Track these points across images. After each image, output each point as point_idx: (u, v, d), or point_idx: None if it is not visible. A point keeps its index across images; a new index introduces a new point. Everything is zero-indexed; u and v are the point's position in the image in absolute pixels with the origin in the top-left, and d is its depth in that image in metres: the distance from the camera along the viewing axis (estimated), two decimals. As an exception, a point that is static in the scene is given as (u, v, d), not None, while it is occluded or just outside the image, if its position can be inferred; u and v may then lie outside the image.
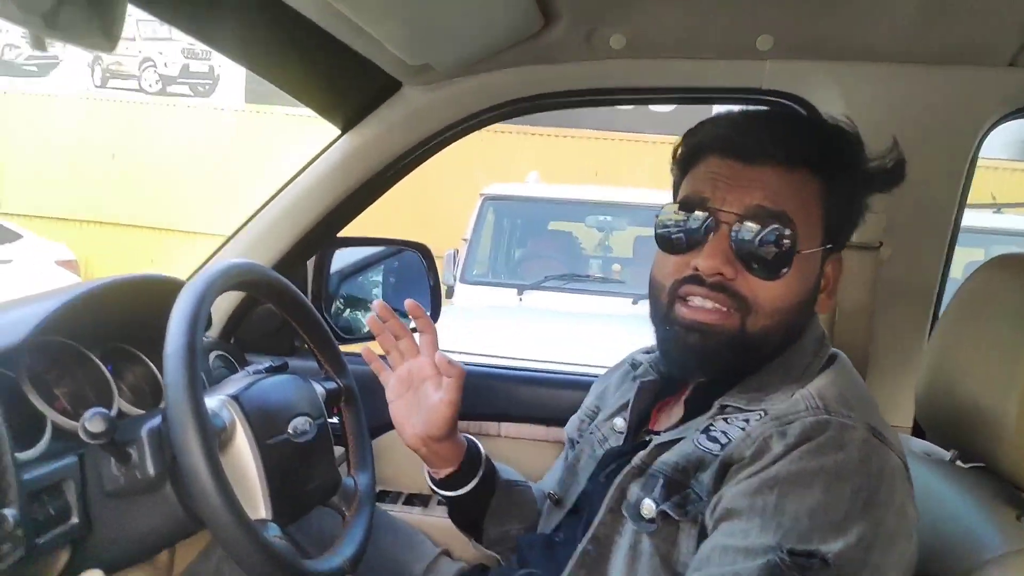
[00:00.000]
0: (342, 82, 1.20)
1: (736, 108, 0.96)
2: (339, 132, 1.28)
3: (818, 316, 0.89)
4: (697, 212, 0.84)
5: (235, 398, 0.91)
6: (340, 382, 1.10)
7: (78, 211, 8.64)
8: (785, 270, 0.81)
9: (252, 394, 0.93)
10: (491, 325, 3.30)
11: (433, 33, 1.03)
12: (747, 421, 0.79)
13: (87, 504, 0.88)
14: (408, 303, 0.98)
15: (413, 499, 1.42)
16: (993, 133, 1.18)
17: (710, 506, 0.75)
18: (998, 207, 4.67)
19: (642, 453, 0.84)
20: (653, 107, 7.83)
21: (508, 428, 1.39)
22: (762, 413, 0.79)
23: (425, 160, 1.31)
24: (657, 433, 0.90)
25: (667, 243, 0.88)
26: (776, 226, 0.80)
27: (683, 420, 0.88)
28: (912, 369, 1.21)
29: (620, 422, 0.97)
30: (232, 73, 9.61)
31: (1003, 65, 1.08)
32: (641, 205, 4.67)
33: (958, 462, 0.94)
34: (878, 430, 0.73)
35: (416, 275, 1.57)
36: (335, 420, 1.11)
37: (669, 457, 0.81)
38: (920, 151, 1.14)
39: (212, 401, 0.89)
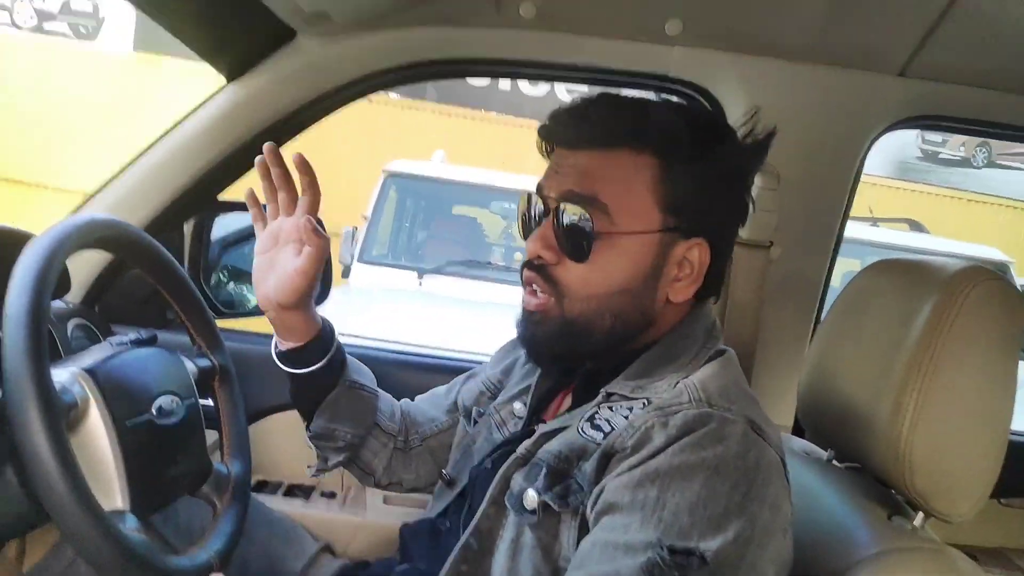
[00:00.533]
0: (231, 25, 1.09)
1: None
2: (224, 81, 1.18)
3: (709, 307, 0.87)
4: (535, 198, 0.85)
5: (90, 372, 0.80)
6: (214, 359, 1.00)
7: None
8: (590, 253, 0.80)
9: (111, 368, 0.83)
10: (389, 309, 3.20)
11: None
12: (630, 410, 0.77)
13: None
14: (295, 156, 0.89)
15: (294, 490, 1.34)
16: (873, 151, 1.21)
17: (591, 497, 0.72)
18: (875, 220, 4.97)
19: (527, 442, 0.81)
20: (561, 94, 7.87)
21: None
22: (645, 402, 0.77)
23: (318, 119, 1.21)
24: (545, 422, 0.87)
25: (521, 228, 0.89)
26: (580, 210, 0.80)
27: (571, 408, 0.85)
28: (795, 369, 1.24)
29: (520, 407, 0.94)
30: (119, 15, 8.85)
31: (894, 74, 1.11)
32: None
33: (834, 461, 0.96)
34: (758, 424, 0.72)
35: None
36: (208, 402, 1.02)
37: (552, 446, 0.78)
38: (813, 152, 1.17)
39: (62, 374, 0.78)
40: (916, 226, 5.29)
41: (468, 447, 1.00)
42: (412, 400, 1.13)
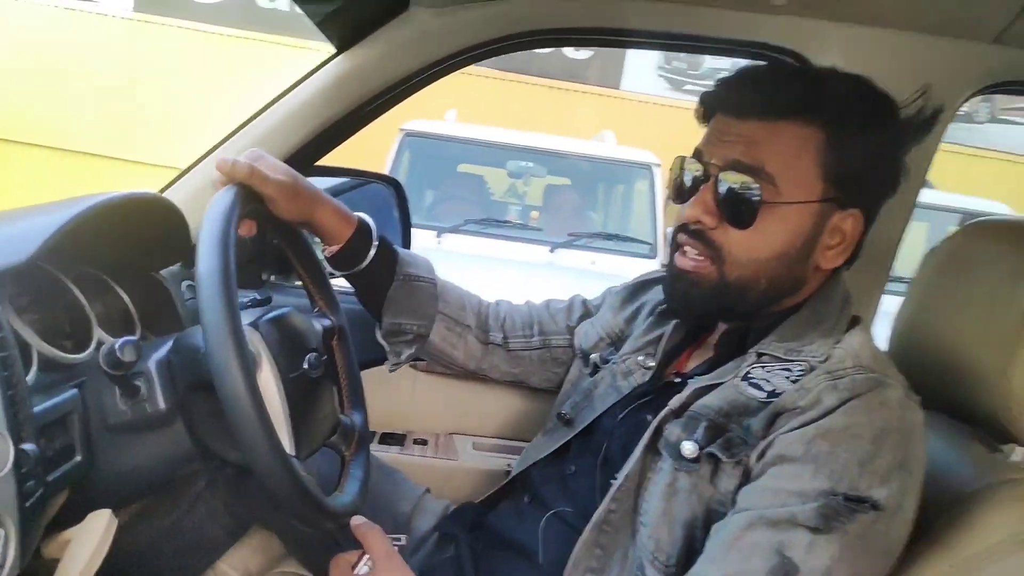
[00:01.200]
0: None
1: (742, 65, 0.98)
2: (335, 51, 1.21)
3: (842, 275, 0.93)
4: (694, 164, 0.90)
5: (255, 327, 0.87)
6: (334, 319, 1.06)
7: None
8: (751, 220, 0.85)
9: (268, 325, 0.89)
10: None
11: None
12: (789, 371, 0.84)
13: (89, 440, 0.82)
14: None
15: (387, 438, 1.41)
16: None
17: (757, 450, 0.79)
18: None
19: (680, 395, 0.87)
20: (569, 53, 7.81)
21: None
22: (806, 365, 0.83)
23: (420, 89, 1.25)
24: (686, 375, 0.93)
25: (673, 192, 0.94)
26: (747, 179, 0.84)
27: (715, 364, 0.91)
28: (866, 316, 1.31)
29: (644, 358, 1.00)
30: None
31: (988, 41, 1.15)
32: (560, 152, 4.71)
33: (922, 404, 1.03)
34: (909, 389, 0.80)
35: (386, 208, 1.53)
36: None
37: (711, 401, 0.85)
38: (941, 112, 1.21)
39: None
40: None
41: (588, 392, 1.07)
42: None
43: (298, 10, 1.16)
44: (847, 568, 0.72)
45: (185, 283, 1.22)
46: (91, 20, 8.17)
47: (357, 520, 0.90)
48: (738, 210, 0.85)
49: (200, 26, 8.12)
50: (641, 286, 1.16)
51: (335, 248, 1.04)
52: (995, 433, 0.91)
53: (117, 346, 0.75)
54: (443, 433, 1.42)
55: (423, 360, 1.26)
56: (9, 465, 0.64)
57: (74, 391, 0.82)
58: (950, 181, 7.82)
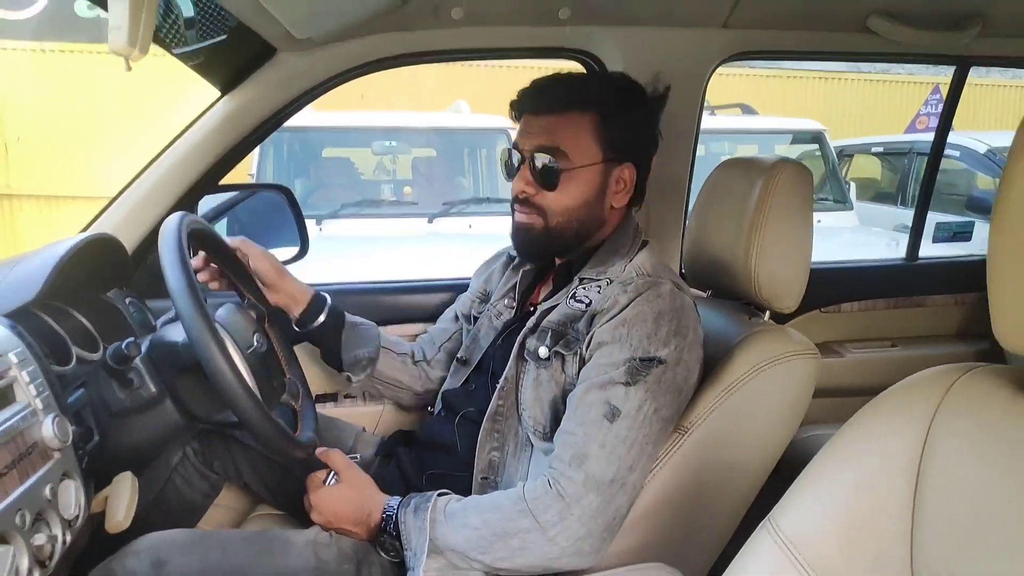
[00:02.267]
0: (224, 49, 1.38)
1: (553, 62, 1.34)
2: (219, 94, 1.47)
3: (633, 214, 1.30)
4: (514, 153, 1.25)
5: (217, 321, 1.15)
6: (262, 307, 1.35)
7: None
8: (557, 183, 1.20)
9: (222, 318, 1.17)
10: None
11: (319, 9, 1.26)
12: (599, 286, 1.20)
13: (100, 425, 1.08)
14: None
15: (321, 398, 1.70)
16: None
17: (585, 342, 1.15)
18: (712, 110, 5.60)
19: (533, 317, 1.23)
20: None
21: (393, 330, 1.71)
22: (608, 280, 1.19)
23: (292, 116, 1.53)
24: (537, 304, 1.29)
25: (505, 173, 1.29)
26: (548, 156, 1.19)
27: (554, 293, 1.28)
28: (676, 242, 1.72)
29: (509, 301, 1.37)
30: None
31: (719, 27, 1.56)
32: (420, 128, 4.96)
33: (710, 294, 1.45)
34: (677, 283, 1.18)
35: (281, 212, 1.79)
36: None
37: (553, 317, 1.20)
38: (673, 87, 1.60)
39: None
40: (747, 109, 5.96)
41: (475, 336, 1.42)
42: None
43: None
44: (651, 403, 1.07)
45: (128, 299, 1.46)
46: None
47: (320, 449, 1.21)
48: (547, 179, 1.20)
49: (19, 44, 7.70)
50: (490, 260, 1.53)
51: (300, 309, 1.41)
52: (755, 307, 1.32)
53: (123, 346, 1.02)
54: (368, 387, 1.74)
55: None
56: (71, 438, 0.92)
57: (81, 391, 1.08)
58: (774, 105, 8.67)
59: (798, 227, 1.22)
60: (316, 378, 1.66)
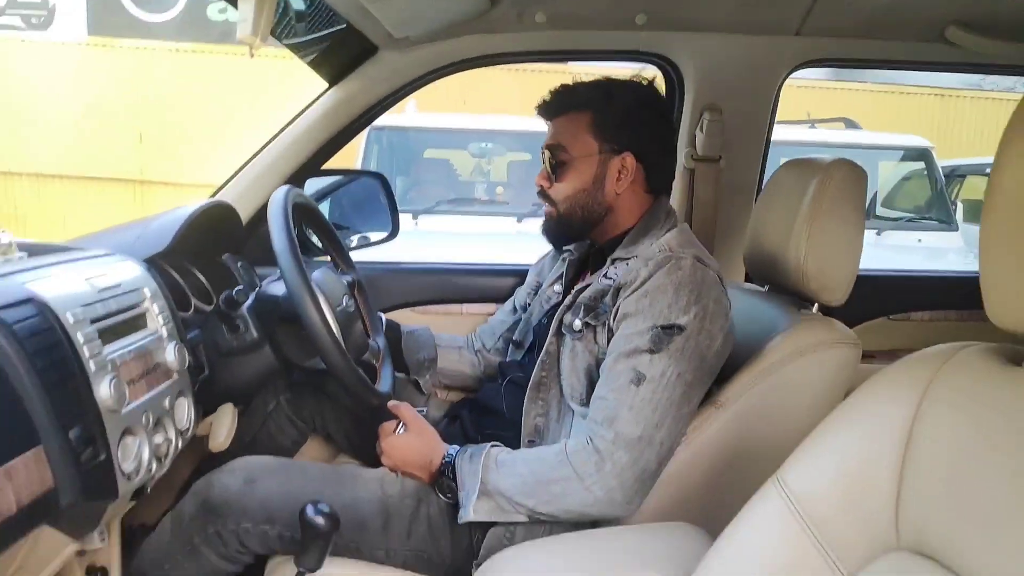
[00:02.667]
0: (333, 45, 1.56)
1: (633, 65, 1.48)
2: (327, 85, 1.65)
3: (665, 199, 1.38)
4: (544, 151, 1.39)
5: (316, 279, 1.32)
6: (353, 275, 1.52)
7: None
8: (562, 174, 1.35)
9: (318, 278, 1.34)
10: (400, 246, 3.67)
11: (416, 12, 1.42)
12: (627, 265, 1.28)
13: (210, 362, 1.27)
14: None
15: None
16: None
17: (612, 314, 1.24)
18: (812, 123, 5.51)
19: (570, 296, 1.35)
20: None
21: (468, 307, 1.87)
22: (635, 258, 1.28)
23: (388, 109, 1.70)
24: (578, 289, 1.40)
25: None
26: (555, 152, 1.35)
27: (592, 273, 1.40)
28: (741, 240, 1.78)
29: (557, 287, 1.49)
30: (70, 2, 8.92)
31: (792, 34, 1.63)
32: (516, 132, 5.13)
33: (768, 289, 1.51)
34: (700, 258, 1.25)
35: (374, 199, 1.98)
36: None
37: (586, 293, 1.31)
38: (744, 94, 1.68)
39: None
40: (850, 124, 5.82)
41: (527, 320, 1.56)
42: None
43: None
44: (674, 368, 1.15)
45: (239, 263, 1.67)
46: (47, 48, 8.38)
47: (392, 402, 1.36)
48: (553, 171, 1.36)
49: (156, 43, 8.41)
50: (543, 256, 1.67)
51: None
52: (804, 299, 1.37)
53: (233, 292, 1.21)
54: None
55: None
56: (187, 364, 1.10)
57: (197, 331, 1.27)
58: (881, 120, 8.37)
59: (849, 223, 1.28)
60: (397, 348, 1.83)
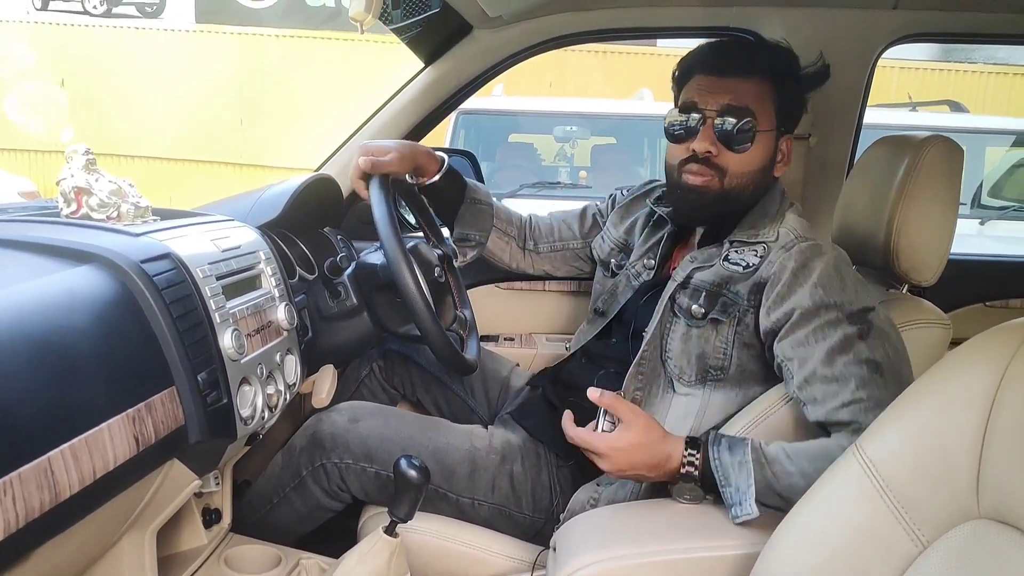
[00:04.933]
0: (430, 25, 1.63)
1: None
2: (423, 65, 1.73)
3: (780, 178, 1.36)
4: (692, 113, 1.27)
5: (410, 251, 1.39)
6: (443, 249, 1.59)
7: (28, 141, 8.62)
8: (748, 145, 1.24)
9: (412, 251, 1.42)
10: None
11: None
12: (755, 251, 1.24)
13: (314, 324, 1.37)
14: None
15: (485, 339, 1.93)
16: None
17: (754, 308, 1.19)
18: (914, 106, 5.27)
19: (681, 273, 1.28)
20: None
21: (551, 284, 1.90)
22: (764, 246, 1.23)
23: (482, 87, 1.76)
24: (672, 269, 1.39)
25: (673, 136, 1.30)
26: (742, 116, 1.22)
27: (699, 249, 1.33)
28: (828, 217, 1.76)
29: (649, 261, 1.44)
30: (178, -10, 9.49)
31: (889, 8, 1.59)
32: (600, 115, 5.13)
33: (856, 269, 1.48)
34: (828, 242, 1.25)
35: (464, 176, 2.04)
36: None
37: (705, 276, 1.25)
38: (836, 70, 1.65)
39: None
40: (956, 106, 5.53)
41: (613, 290, 1.51)
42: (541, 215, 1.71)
43: (344, 3, 1.66)
44: (891, 343, 1.11)
45: (339, 236, 1.77)
46: (158, 36, 8.88)
47: (602, 394, 1.12)
48: (737, 139, 1.23)
49: (259, 30, 8.80)
50: (632, 202, 1.57)
51: (425, 180, 1.50)
52: (893, 277, 1.35)
53: (338, 259, 1.30)
54: (525, 333, 1.96)
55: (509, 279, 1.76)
56: (296, 322, 1.19)
57: (302, 296, 1.37)
58: (993, 103, 7.88)
59: (942, 202, 1.25)
60: (481, 321, 1.90)
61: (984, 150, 5.39)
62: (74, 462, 0.72)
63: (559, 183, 4.80)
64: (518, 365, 1.75)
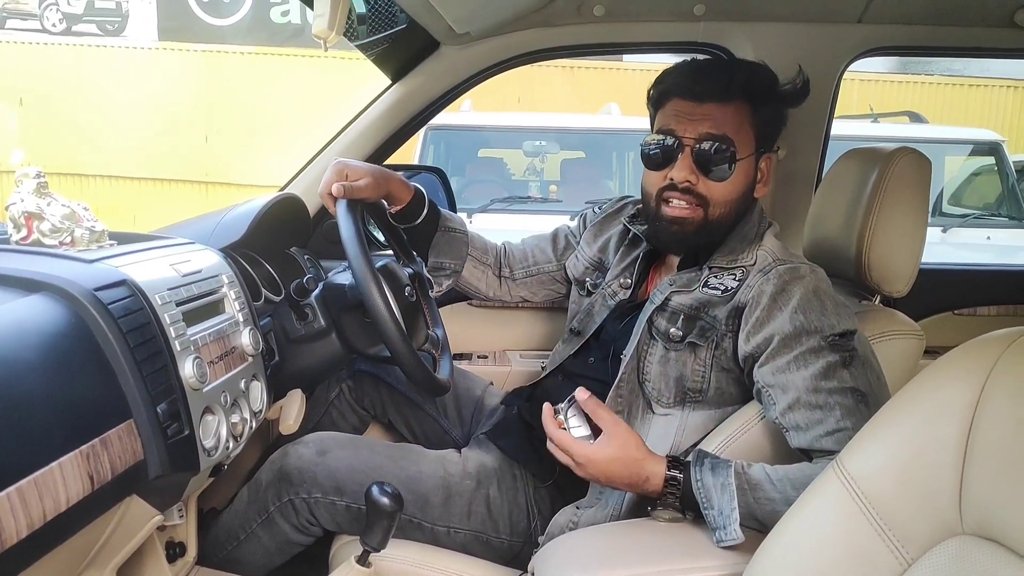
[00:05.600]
0: (397, 41, 1.61)
1: (687, 58, 1.34)
2: (390, 82, 1.70)
3: (758, 200, 1.34)
4: (668, 139, 1.23)
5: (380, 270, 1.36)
6: (414, 268, 1.56)
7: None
8: (729, 173, 1.21)
9: (383, 268, 1.38)
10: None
11: (477, 7, 1.45)
12: (734, 275, 1.22)
13: (280, 347, 1.33)
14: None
15: (458, 356, 1.90)
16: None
17: (732, 333, 1.17)
18: (875, 117, 5.37)
19: (659, 294, 1.26)
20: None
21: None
22: (743, 270, 1.21)
23: (449, 104, 1.74)
24: (648, 290, 1.37)
25: (650, 162, 1.27)
26: (721, 145, 1.20)
27: (676, 274, 1.31)
28: (799, 231, 1.76)
29: (625, 280, 1.43)
30: (142, 9, 9.32)
31: (853, 22, 1.60)
32: (569, 129, 5.15)
33: None
34: (804, 261, 1.23)
35: (434, 192, 2.02)
36: None
37: (684, 300, 1.23)
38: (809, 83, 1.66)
39: None
40: (916, 117, 5.64)
41: (588, 310, 1.48)
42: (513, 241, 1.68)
43: (309, 20, 1.61)
44: (873, 369, 1.10)
45: (305, 256, 1.73)
46: (120, 54, 8.76)
47: (583, 395, 1.11)
48: (717, 167, 1.21)
49: (222, 47, 8.71)
50: (604, 220, 1.55)
51: (397, 208, 1.47)
52: (865, 289, 1.35)
53: (304, 280, 1.26)
54: (498, 350, 1.93)
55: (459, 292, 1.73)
56: (261, 347, 1.15)
57: (268, 319, 1.33)
58: (949, 114, 8.09)
59: (912, 213, 1.26)
60: (453, 338, 1.87)
61: (944, 159, 5.52)
62: (21, 505, 0.68)
63: (529, 197, 4.80)
64: (492, 384, 1.72)
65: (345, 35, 1.57)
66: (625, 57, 8.50)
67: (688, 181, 1.22)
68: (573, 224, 1.65)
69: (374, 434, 1.74)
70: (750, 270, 1.22)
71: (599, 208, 1.60)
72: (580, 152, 5.27)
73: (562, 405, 1.14)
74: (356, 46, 1.60)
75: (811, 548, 0.84)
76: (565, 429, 1.12)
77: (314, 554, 1.36)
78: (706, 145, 1.21)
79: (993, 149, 5.00)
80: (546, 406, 1.14)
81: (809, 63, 1.60)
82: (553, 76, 7.91)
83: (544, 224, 4.12)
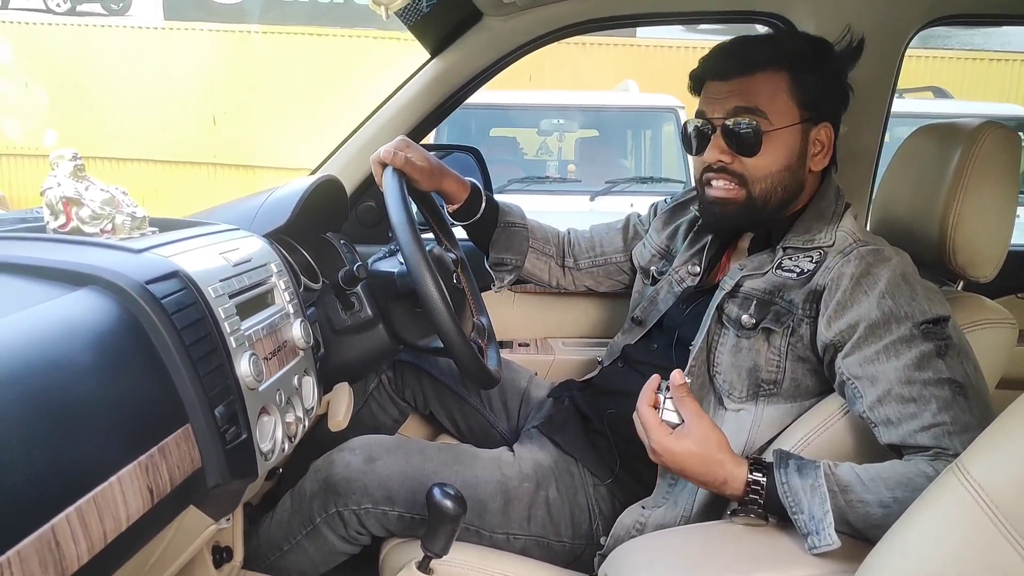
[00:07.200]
0: (437, 12, 1.51)
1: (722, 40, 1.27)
2: (429, 56, 1.61)
3: (833, 175, 1.26)
4: (701, 123, 1.21)
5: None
6: (457, 254, 1.48)
7: (-11, 144, 8.32)
8: (758, 147, 1.15)
9: (433, 256, 1.30)
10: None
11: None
12: (811, 256, 1.15)
13: (326, 340, 1.26)
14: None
15: (500, 344, 1.83)
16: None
17: (811, 317, 1.10)
18: (900, 92, 5.23)
19: (729, 280, 1.19)
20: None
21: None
22: (820, 251, 1.14)
23: (491, 79, 1.65)
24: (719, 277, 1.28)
25: (690, 147, 1.25)
26: (746, 119, 1.15)
27: (748, 257, 1.24)
28: (859, 209, 1.68)
29: (693, 267, 1.36)
30: (144, -13, 9.19)
31: (924, -12, 1.51)
32: (584, 107, 5.03)
33: None
34: (890, 246, 1.14)
35: (469, 173, 1.94)
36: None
37: (756, 284, 1.16)
38: (864, 54, 1.57)
39: None
40: (940, 92, 5.53)
41: (653, 298, 1.42)
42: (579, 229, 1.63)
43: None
44: (970, 358, 1.02)
45: (341, 241, 1.65)
46: (125, 34, 8.62)
47: (678, 380, 1.04)
48: (747, 143, 1.15)
49: (229, 26, 8.57)
50: (676, 208, 1.50)
51: (455, 206, 1.47)
52: (947, 274, 1.27)
53: (354, 268, 1.18)
54: (540, 337, 1.85)
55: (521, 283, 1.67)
56: (311, 342, 1.08)
57: (312, 309, 1.25)
58: (972, 89, 7.93)
59: (1001, 193, 1.18)
60: (495, 326, 1.79)
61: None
62: (82, 528, 0.60)
63: (547, 177, 4.70)
64: (536, 374, 1.65)
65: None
66: (639, 32, 8.36)
67: (720, 160, 1.18)
68: (643, 214, 1.61)
69: (412, 426, 1.67)
70: (828, 251, 1.15)
71: (669, 199, 1.56)
72: (594, 131, 5.17)
73: (665, 383, 1.06)
74: (395, 13, 1.50)
75: (931, 558, 0.76)
76: (658, 409, 1.05)
77: (360, 557, 1.29)
78: (732, 122, 1.16)
79: (1021, 125, 4.88)
80: (654, 376, 1.07)
81: (874, 30, 1.52)
82: (567, 52, 7.76)
83: (562, 206, 4.11)
